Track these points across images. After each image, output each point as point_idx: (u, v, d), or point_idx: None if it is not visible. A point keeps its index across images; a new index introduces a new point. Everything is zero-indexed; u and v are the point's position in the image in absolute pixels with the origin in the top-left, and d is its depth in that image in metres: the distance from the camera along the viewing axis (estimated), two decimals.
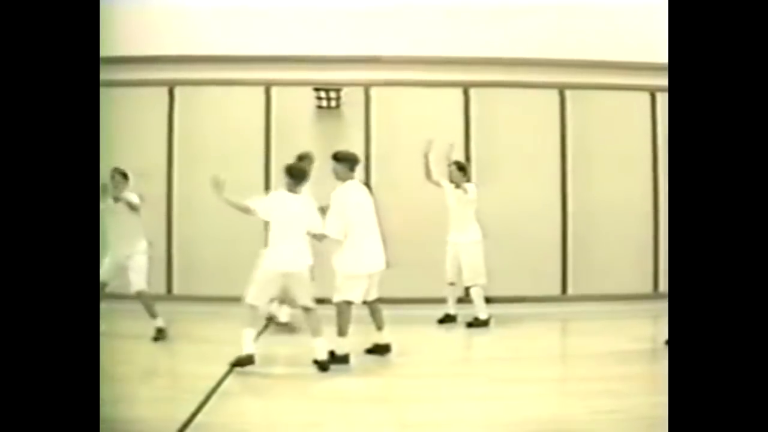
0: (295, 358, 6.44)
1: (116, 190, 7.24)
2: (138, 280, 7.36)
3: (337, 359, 6.21)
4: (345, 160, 6.51)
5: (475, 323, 8.06)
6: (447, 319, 8.29)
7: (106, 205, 7.07)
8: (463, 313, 8.16)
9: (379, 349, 6.65)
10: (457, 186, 8.07)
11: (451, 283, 8.25)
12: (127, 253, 7.31)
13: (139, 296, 7.36)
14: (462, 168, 8.17)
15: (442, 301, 8.26)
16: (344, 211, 6.29)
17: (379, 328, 6.66)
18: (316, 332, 6.15)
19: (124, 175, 7.33)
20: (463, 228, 8.05)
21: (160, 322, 7.36)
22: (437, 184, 8.14)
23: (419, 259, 8.38)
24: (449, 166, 8.16)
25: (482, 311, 8.10)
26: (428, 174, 8.12)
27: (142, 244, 7.49)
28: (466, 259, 8.06)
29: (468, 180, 8.18)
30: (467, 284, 8.14)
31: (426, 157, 8.10)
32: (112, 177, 7.26)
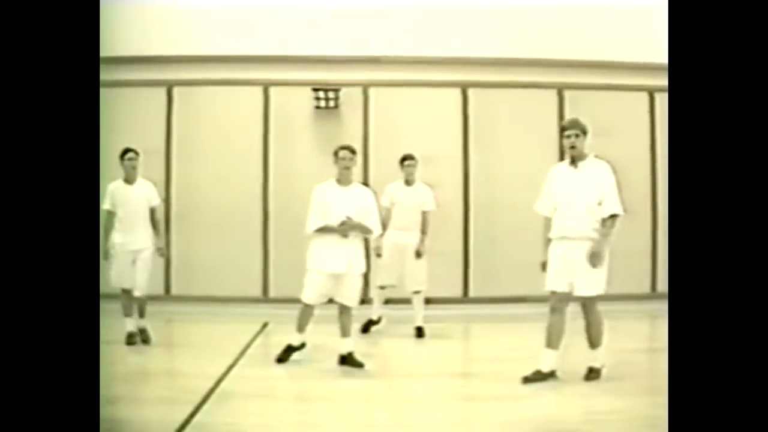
0: (295, 358, 6.44)
1: (128, 168, 6.96)
2: (143, 284, 7.04)
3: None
4: None
5: (420, 332, 7.57)
6: (371, 324, 7.72)
7: (118, 191, 6.82)
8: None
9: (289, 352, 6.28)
10: (409, 184, 7.71)
11: (383, 287, 7.72)
12: (136, 248, 6.92)
13: (139, 298, 7.16)
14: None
15: (442, 300, 8.22)
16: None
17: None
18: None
19: (136, 153, 7.08)
20: (410, 227, 7.60)
21: (143, 323, 7.16)
22: None
23: None
24: (405, 160, 7.70)
25: (421, 318, 7.64)
26: None
27: (152, 240, 7.13)
28: (412, 260, 7.59)
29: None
30: (416, 288, 7.62)
31: None
32: (122, 157, 6.94)
